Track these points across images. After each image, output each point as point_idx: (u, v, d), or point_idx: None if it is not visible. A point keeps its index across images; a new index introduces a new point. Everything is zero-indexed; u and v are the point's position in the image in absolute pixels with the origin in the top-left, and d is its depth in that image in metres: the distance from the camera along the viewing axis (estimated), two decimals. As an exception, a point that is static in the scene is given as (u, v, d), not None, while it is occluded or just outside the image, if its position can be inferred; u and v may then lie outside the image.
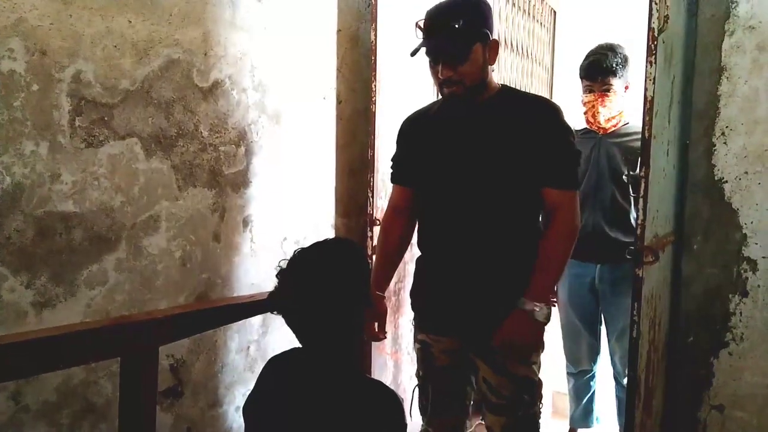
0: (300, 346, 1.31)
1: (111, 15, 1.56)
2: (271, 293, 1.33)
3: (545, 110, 1.62)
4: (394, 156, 1.86)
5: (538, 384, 1.69)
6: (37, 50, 1.42)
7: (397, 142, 1.85)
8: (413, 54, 1.60)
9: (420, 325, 1.82)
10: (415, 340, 1.83)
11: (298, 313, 1.26)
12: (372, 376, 2.29)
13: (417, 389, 1.83)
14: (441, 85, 1.61)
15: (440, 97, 1.71)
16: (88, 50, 1.52)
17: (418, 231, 1.84)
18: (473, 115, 1.64)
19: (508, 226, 1.64)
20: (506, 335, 1.58)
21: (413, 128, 1.80)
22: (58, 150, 1.48)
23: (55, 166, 1.47)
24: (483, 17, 1.58)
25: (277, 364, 1.36)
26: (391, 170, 1.87)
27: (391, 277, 1.93)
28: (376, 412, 1.23)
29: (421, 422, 1.87)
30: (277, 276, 1.31)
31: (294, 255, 1.31)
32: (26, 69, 1.41)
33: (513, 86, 2.01)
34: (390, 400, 1.26)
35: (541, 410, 1.72)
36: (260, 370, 1.37)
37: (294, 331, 1.28)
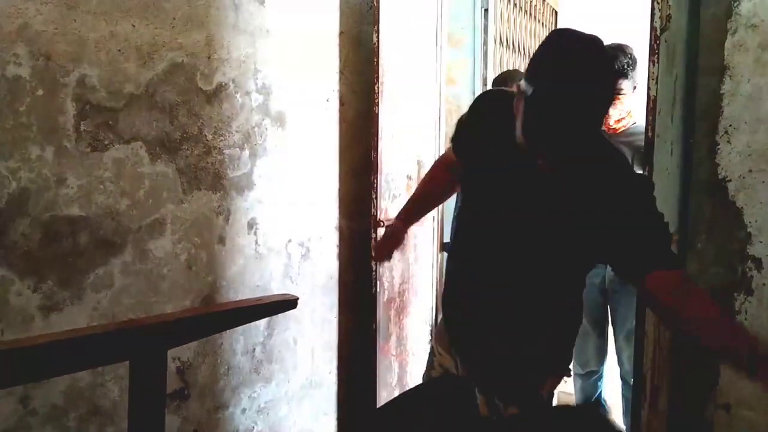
0: None
1: (115, 19, 1.56)
2: None
3: (637, 188, 1.34)
4: (462, 121, 1.58)
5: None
6: (41, 55, 1.43)
7: (469, 117, 1.54)
8: (526, 144, 1.22)
9: (436, 332, 1.79)
10: (433, 350, 1.73)
11: None
12: (377, 380, 2.29)
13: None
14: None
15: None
16: (93, 55, 1.52)
17: (453, 236, 1.71)
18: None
19: (548, 285, 1.40)
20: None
21: (492, 118, 1.44)
22: (63, 154, 1.48)
23: (60, 170, 1.48)
24: (613, 86, 1.31)
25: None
26: (455, 132, 1.61)
27: (420, 218, 1.89)
28: None
29: None
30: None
31: None
32: (31, 74, 1.41)
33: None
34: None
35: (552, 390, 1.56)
36: None
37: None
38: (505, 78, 2.87)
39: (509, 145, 1.29)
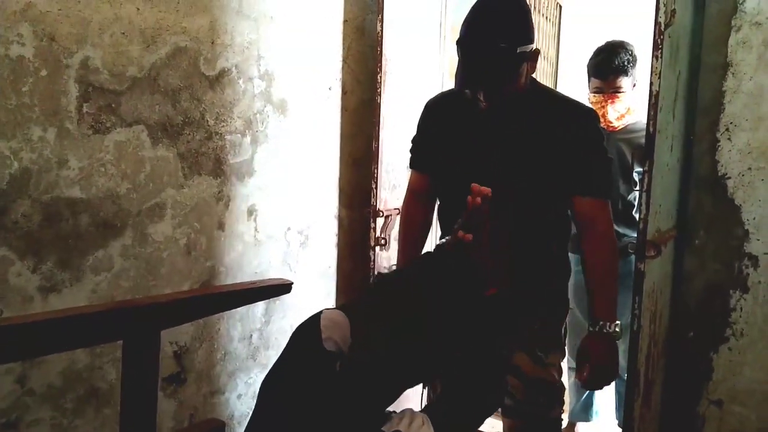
0: None
1: (119, 2, 1.56)
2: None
3: (580, 115, 1.55)
4: (414, 138, 1.78)
5: (557, 388, 1.65)
6: (45, 36, 1.43)
7: (419, 126, 1.76)
8: (459, 88, 1.48)
9: None
10: None
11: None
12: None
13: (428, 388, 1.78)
14: (476, 99, 1.50)
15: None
16: (96, 37, 1.52)
17: (439, 221, 1.77)
18: (503, 111, 1.53)
19: (531, 229, 1.53)
20: (593, 364, 1.53)
21: (438, 113, 1.69)
22: (65, 136, 1.48)
23: (62, 152, 1.48)
24: (528, 30, 1.44)
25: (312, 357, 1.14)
26: (411, 153, 1.79)
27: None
28: None
29: None
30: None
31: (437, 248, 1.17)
32: (35, 54, 1.41)
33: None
34: None
35: (562, 417, 1.68)
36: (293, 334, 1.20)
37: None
38: None
39: (460, 122, 1.58)
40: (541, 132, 1.50)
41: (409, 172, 1.86)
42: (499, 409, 1.66)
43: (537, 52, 1.49)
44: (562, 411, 1.68)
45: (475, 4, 1.45)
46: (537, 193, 1.52)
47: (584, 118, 1.55)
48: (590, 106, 1.73)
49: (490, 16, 1.41)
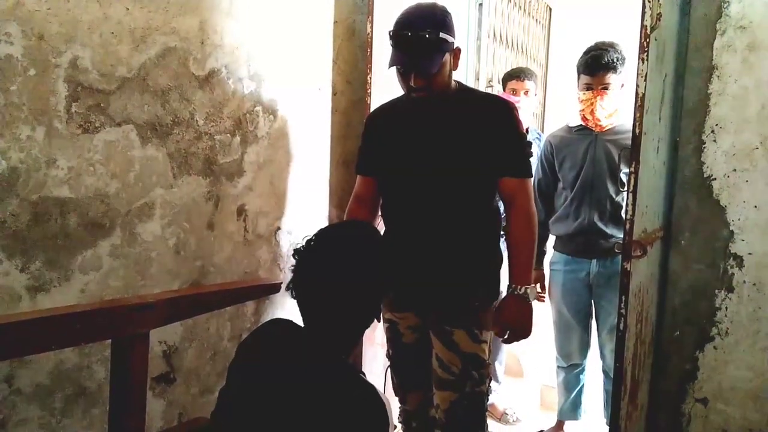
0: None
1: (108, 1, 1.56)
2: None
3: (500, 107, 1.78)
4: (360, 147, 1.98)
5: (487, 364, 1.81)
6: (34, 35, 1.42)
7: (363, 135, 1.97)
8: (391, 66, 1.70)
9: (385, 304, 1.91)
10: (384, 320, 1.94)
11: (312, 292, 1.26)
12: (363, 370, 2.31)
13: (389, 370, 1.97)
14: (409, 90, 1.72)
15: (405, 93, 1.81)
16: (86, 36, 1.52)
17: (382, 218, 1.94)
18: (435, 110, 1.76)
19: (461, 212, 1.77)
20: (506, 320, 1.75)
21: (379, 122, 1.92)
22: (54, 135, 1.48)
23: (51, 151, 1.48)
24: (450, 27, 1.68)
25: (275, 331, 1.33)
26: (357, 161, 1.99)
27: None
28: (357, 417, 1.18)
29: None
30: (296, 253, 1.31)
31: (319, 232, 1.33)
32: (23, 53, 1.41)
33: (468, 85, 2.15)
34: (376, 407, 1.21)
35: (489, 391, 1.84)
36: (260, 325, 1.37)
37: (302, 311, 1.28)
38: (511, 75, 2.89)
39: (397, 125, 1.84)
40: (468, 124, 1.74)
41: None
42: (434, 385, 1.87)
43: (458, 49, 1.72)
44: (489, 386, 1.84)
45: (405, 8, 1.73)
46: (468, 181, 1.75)
47: (504, 109, 1.77)
48: (507, 99, 2.05)
49: (416, 10, 1.70)
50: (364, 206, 1.96)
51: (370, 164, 1.93)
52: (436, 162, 1.75)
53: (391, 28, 1.70)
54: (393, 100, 1.95)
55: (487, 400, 1.85)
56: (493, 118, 1.75)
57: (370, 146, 1.93)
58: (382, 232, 1.89)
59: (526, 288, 1.74)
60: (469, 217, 1.79)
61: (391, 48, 1.70)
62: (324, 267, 1.26)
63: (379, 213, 1.98)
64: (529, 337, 1.78)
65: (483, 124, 1.73)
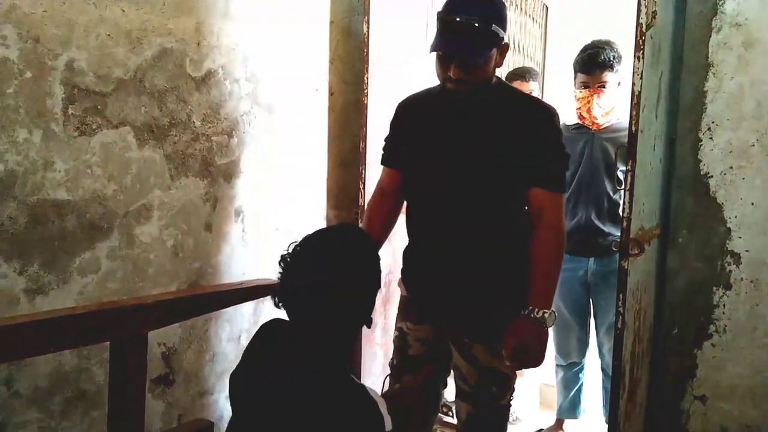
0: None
1: (104, 3, 1.56)
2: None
3: (540, 112, 1.63)
4: (387, 137, 1.84)
5: (509, 377, 1.71)
6: (30, 38, 1.42)
7: (391, 125, 1.82)
8: (432, 51, 1.54)
9: (401, 312, 1.85)
10: (396, 328, 1.86)
11: (302, 297, 1.24)
12: (361, 369, 2.31)
13: (389, 378, 1.81)
14: (446, 80, 1.56)
15: (439, 84, 1.65)
16: (82, 38, 1.52)
17: (405, 219, 1.82)
18: (470, 107, 1.61)
19: (492, 221, 1.63)
20: (517, 342, 1.56)
21: (408, 113, 1.77)
22: (51, 138, 1.48)
23: (48, 153, 1.48)
24: (504, 21, 1.53)
25: (270, 336, 1.33)
26: (383, 151, 1.84)
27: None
28: (351, 419, 1.18)
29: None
30: (282, 260, 1.30)
31: (304, 238, 1.31)
32: (19, 56, 1.41)
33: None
34: (370, 409, 1.20)
35: (511, 403, 1.74)
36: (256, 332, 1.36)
37: (290, 317, 1.28)
38: (515, 74, 2.89)
39: (429, 117, 1.68)
40: (503, 126, 1.58)
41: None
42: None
43: (506, 45, 1.56)
44: (511, 398, 1.75)
45: None
46: (497, 188, 1.60)
47: (546, 114, 1.62)
48: (550, 104, 1.82)
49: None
50: (387, 199, 1.82)
51: (396, 156, 1.78)
52: (465, 164, 1.60)
53: (440, 9, 1.53)
54: (426, 89, 1.78)
55: (508, 411, 1.75)
56: (532, 123, 1.59)
57: (397, 137, 1.79)
58: (405, 235, 1.80)
59: (545, 312, 1.55)
60: (498, 227, 1.63)
61: (436, 31, 1.54)
62: (307, 272, 1.25)
63: (403, 209, 1.85)
64: (540, 366, 1.62)
65: (519, 128, 1.57)
